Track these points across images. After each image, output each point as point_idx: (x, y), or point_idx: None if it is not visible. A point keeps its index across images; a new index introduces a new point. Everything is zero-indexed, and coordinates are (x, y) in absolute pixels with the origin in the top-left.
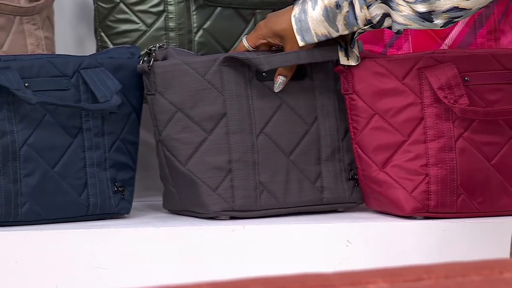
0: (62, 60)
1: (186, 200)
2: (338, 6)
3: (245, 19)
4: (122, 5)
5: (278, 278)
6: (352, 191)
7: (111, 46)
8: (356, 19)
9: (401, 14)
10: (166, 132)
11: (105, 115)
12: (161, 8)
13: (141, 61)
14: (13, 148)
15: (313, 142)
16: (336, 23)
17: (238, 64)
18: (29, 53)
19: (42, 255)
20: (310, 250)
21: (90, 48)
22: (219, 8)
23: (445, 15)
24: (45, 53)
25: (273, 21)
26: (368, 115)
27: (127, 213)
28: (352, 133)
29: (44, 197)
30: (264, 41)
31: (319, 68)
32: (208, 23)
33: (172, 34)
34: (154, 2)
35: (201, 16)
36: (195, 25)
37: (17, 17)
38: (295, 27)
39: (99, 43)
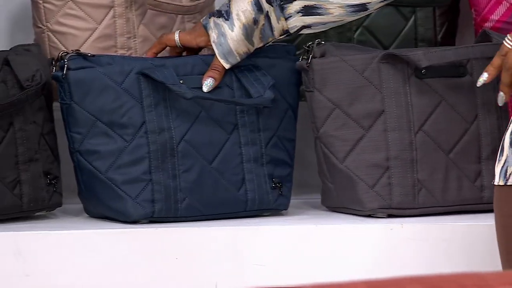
0: None
1: (343, 197)
2: (255, 21)
3: (405, 17)
4: None
5: (434, 278)
6: None
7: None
8: (272, 30)
9: (333, 15)
10: (324, 128)
11: (260, 110)
12: None
13: (300, 58)
14: (171, 144)
15: (473, 140)
16: (253, 38)
17: (396, 61)
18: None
19: (202, 252)
20: (468, 249)
21: None
22: None
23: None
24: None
25: (193, 40)
26: None
27: (285, 209)
28: None
29: (203, 192)
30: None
31: (480, 65)
32: (368, 20)
33: (331, 32)
34: None
35: None
36: (354, 22)
37: (179, 16)
38: (217, 52)
39: None
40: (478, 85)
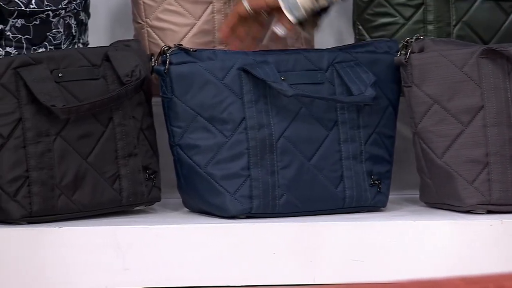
0: (317, 55)
1: (442, 193)
2: None
3: (506, 12)
4: None
5: None
6: None
7: (368, 39)
8: None
9: None
10: (422, 124)
11: (360, 108)
12: (420, 1)
13: (399, 54)
14: (270, 140)
15: None
16: None
17: (496, 56)
18: (288, 47)
19: (299, 247)
20: None
21: (348, 41)
22: (478, 0)
23: None
24: (303, 47)
25: (261, 0)
26: None
27: (383, 207)
28: None
29: (301, 189)
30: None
31: None
32: (468, 15)
33: (430, 27)
34: None
35: (460, 9)
36: (454, 17)
37: None
38: (283, 5)
39: (357, 36)
40: None
